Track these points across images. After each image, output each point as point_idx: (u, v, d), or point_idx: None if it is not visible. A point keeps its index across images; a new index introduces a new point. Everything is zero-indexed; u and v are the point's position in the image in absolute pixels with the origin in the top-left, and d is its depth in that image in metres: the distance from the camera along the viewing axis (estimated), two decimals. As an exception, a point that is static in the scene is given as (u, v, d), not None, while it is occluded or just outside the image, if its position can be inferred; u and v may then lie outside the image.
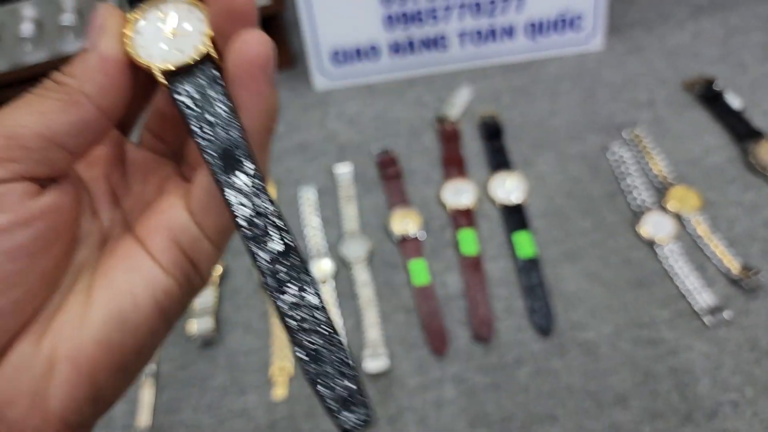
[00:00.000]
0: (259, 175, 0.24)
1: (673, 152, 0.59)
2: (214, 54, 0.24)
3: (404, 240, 0.55)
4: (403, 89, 0.67)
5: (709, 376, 0.46)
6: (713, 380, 0.46)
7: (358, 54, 0.66)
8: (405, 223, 0.56)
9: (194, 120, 0.24)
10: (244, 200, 0.24)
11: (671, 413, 0.45)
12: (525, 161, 0.59)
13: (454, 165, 0.59)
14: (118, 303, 0.24)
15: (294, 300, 0.23)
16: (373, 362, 0.49)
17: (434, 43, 0.66)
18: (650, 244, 0.53)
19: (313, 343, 0.22)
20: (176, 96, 0.24)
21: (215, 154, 0.24)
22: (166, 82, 0.24)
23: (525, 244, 0.54)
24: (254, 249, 0.23)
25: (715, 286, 0.51)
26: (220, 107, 0.24)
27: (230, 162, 0.24)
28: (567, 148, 0.60)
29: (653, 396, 0.46)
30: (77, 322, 0.24)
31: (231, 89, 0.24)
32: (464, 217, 0.56)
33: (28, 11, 0.59)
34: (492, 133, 0.61)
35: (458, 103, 0.64)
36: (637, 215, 0.55)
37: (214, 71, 0.25)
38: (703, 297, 0.50)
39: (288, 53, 0.68)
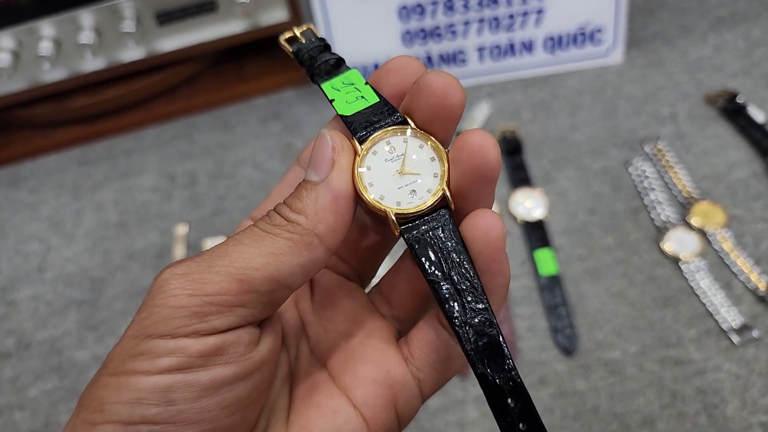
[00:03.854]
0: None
1: (697, 167, 0.58)
2: (449, 198, 0.23)
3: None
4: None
5: (738, 397, 0.45)
6: (742, 401, 0.45)
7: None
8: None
9: (435, 274, 0.22)
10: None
11: (700, 436, 0.44)
12: (546, 177, 0.59)
13: (473, 181, 0.59)
14: None
15: None
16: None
17: (453, 58, 0.65)
18: (675, 261, 0.52)
19: None
20: (411, 243, 0.23)
21: (471, 340, 0.22)
22: (398, 231, 0.23)
23: (547, 261, 0.53)
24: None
25: (743, 303, 0.50)
26: (464, 264, 0.22)
27: (491, 356, 0.22)
28: (589, 163, 0.59)
29: (681, 418, 0.45)
30: None
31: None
32: (485, 234, 0.55)
33: (46, 30, 0.59)
34: (512, 148, 0.61)
35: (478, 119, 0.63)
36: (661, 231, 0.54)
37: (448, 217, 0.23)
38: (730, 315, 0.49)
39: (305, 68, 0.67)
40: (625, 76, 0.65)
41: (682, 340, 0.48)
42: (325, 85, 0.26)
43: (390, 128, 0.24)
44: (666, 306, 0.50)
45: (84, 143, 0.67)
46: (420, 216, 0.23)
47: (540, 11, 0.63)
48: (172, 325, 0.20)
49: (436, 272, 0.22)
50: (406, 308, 0.26)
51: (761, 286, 0.50)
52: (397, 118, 0.24)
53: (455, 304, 0.22)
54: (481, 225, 0.22)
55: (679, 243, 0.53)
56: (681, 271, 0.52)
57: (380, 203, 0.23)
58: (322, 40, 0.27)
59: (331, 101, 0.25)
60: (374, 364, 0.24)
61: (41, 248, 0.60)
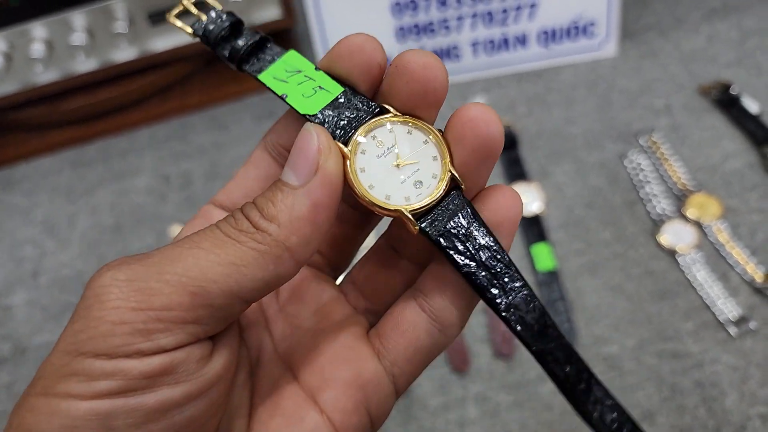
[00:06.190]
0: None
1: (692, 159, 0.58)
2: (458, 178, 0.21)
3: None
4: (416, 100, 0.66)
5: (736, 390, 0.46)
6: (741, 393, 0.45)
7: (370, 66, 0.65)
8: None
9: (468, 265, 0.21)
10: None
11: (699, 429, 0.44)
12: (542, 171, 0.59)
13: (469, 177, 0.58)
14: None
15: None
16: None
17: (447, 53, 0.65)
18: (672, 253, 0.52)
19: None
20: (436, 238, 0.21)
21: (519, 320, 0.21)
22: (418, 228, 0.21)
23: (544, 256, 0.53)
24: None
25: (740, 295, 0.50)
26: (491, 246, 0.21)
27: (540, 332, 0.21)
28: (584, 157, 0.59)
29: (680, 411, 0.45)
30: None
31: None
32: (482, 230, 0.55)
33: (38, 31, 0.58)
34: (507, 143, 0.60)
35: (472, 114, 0.63)
36: (657, 224, 0.54)
37: (463, 198, 0.21)
38: (727, 307, 0.49)
39: (298, 66, 0.67)
40: (618, 68, 0.65)
41: (679, 333, 0.49)
42: (264, 77, 0.23)
43: (370, 121, 0.22)
44: (663, 299, 0.50)
45: (78, 145, 0.67)
46: (435, 206, 0.21)
47: (533, 5, 0.63)
48: (110, 343, 0.17)
49: (469, 262, 0.21)
50: (381, 299, 0.24)
51: (757, 278, 0.50)
52: (373, 108, 0.22)
53: (494, 290, 0.21)
54: (503, 204, 0.21)
55: (676, 235, 0.53)
56: (677, 263, 0.52)
57: (389, 204, 0.21)
58: (231, 14, 0.24)
59: (282, 97, 0.22)
60: (344, 363, 0.22)
61: (36, 253, 0.60)
